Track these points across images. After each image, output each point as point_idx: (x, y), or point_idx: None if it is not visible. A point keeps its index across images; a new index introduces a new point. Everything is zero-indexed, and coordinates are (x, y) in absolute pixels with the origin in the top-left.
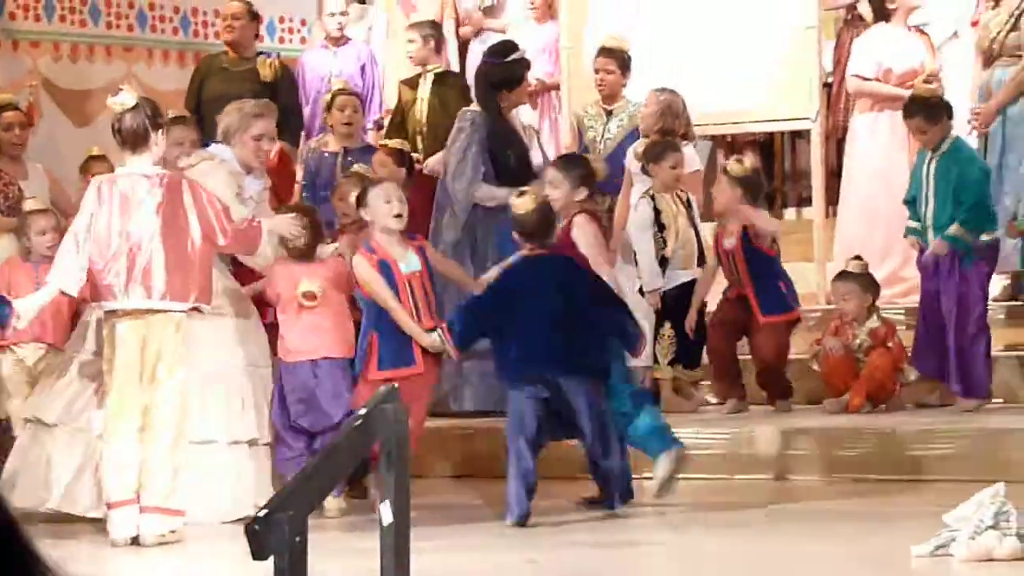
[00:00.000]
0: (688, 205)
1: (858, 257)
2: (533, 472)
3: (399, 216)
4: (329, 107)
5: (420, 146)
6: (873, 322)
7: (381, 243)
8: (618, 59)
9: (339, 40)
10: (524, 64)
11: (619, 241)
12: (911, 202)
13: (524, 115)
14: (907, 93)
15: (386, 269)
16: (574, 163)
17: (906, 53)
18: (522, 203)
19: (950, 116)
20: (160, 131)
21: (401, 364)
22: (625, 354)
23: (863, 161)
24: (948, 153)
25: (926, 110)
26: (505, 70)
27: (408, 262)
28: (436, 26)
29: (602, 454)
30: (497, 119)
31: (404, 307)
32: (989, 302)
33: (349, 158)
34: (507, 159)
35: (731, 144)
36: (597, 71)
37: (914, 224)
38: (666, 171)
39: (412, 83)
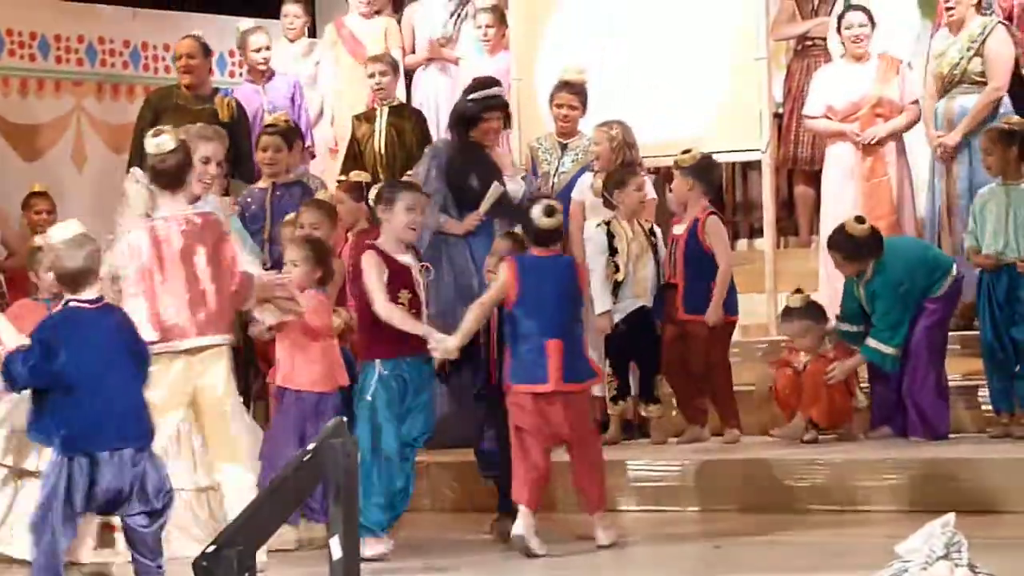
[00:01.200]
0: (651, 234)
1: (799, 290)
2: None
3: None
4: (256, 145)
5: (382, 177)
6: (823, 346)
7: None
8: (580, 94)
9: (263, 75)
10: (486, 103)
11: None
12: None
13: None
14: (848, 128)
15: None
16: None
17: (846, 89)
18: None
19: (873, 253)
20: (192, 171)
21: None
22: None
23: (833, 190)
24: (872, 278)
25: (846, 249)
26: (463, 108)
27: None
28: (395, 60)
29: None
30: (464, 147)
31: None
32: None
33: (278, 192)
34: (468, 184)
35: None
36: (560, 106)
37: (849, 328)
38: (631, 195)
39: (368, 117)
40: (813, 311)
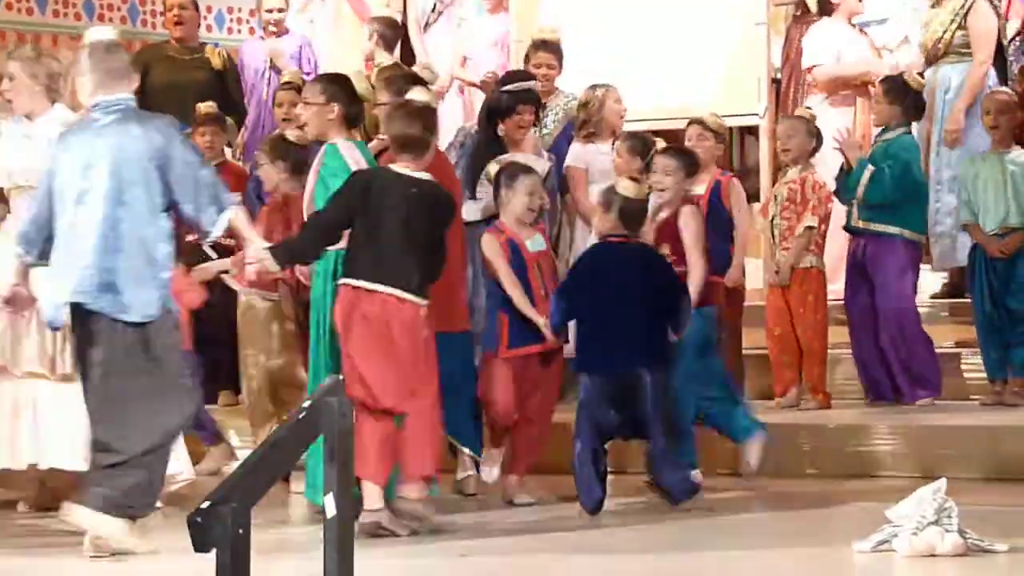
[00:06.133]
0: None
1: (808, 108)
2: (604, 458)
3: (533, 211)
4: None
5: (371, 140)
6: (794, 173)
7: (509, 224)
8: (556, 52)
9: (275, 34)
10: (519, 97)
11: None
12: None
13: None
14: (874, 69)
15: (514, 248)
16: (684, 154)
17: (858, 52)
18: (630, 187)
19: (909, 114)
20: None
21: (532, 341)
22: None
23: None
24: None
25: (896, 87)
26: (497, 99)
27: (534, 242)
28: (390, 23)
29: (667, 452)
30: (490, 143)
31: (533, 285)
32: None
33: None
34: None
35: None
36: (539, 66)
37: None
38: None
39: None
40: (805, 120)
